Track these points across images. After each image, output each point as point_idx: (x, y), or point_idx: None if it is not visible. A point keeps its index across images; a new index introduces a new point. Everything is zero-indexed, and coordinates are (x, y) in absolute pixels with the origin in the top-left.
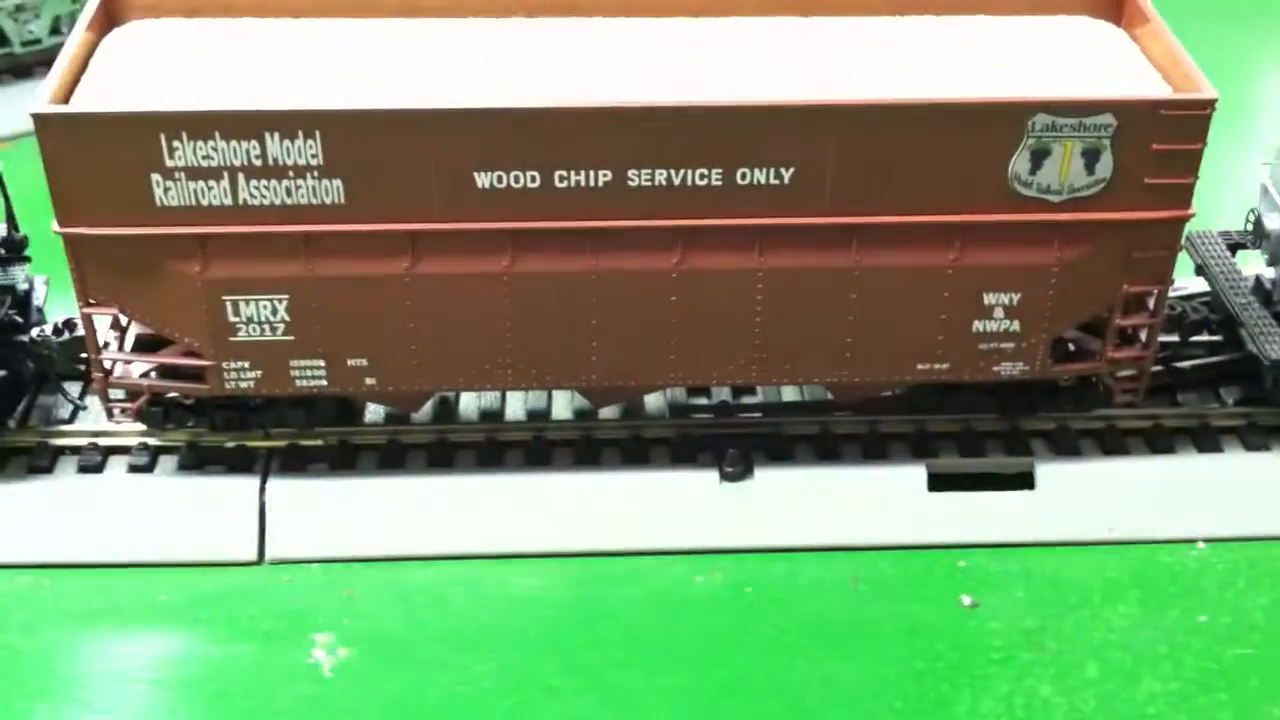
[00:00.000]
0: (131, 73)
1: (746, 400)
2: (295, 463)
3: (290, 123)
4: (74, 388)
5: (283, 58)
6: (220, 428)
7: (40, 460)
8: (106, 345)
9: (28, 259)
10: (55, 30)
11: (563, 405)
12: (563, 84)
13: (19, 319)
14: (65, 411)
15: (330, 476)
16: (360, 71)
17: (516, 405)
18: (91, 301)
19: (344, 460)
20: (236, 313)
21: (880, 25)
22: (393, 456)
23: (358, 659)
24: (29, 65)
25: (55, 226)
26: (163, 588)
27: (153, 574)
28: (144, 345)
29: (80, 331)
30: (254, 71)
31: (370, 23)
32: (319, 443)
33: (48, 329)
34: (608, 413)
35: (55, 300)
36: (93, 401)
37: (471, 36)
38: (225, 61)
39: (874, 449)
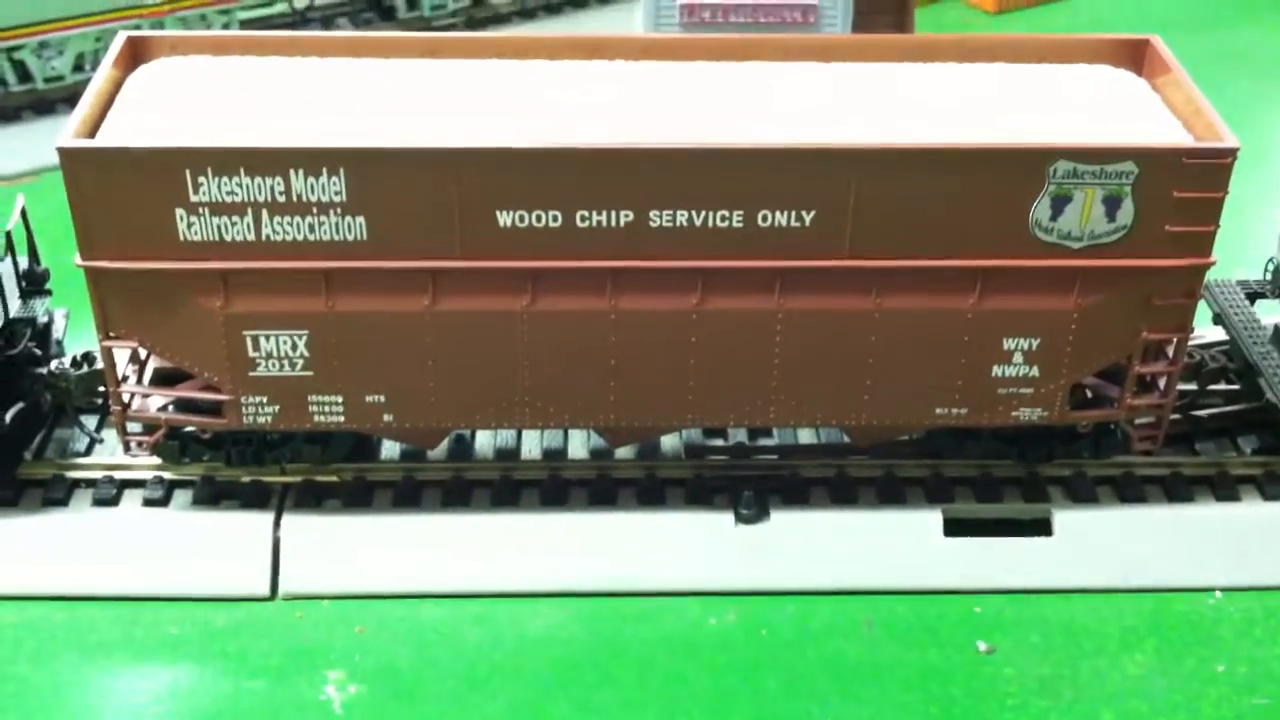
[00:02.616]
0: (157, 109)
1: (762, 442)
2: (310, 498)
3: (314, 160)
4: (90, 421)
5: (307, 96)
6: (236, 462)
7: (56, 493)
8: (125, 379)
9: (48, 292)
10: (78, 67)
11: (578, 444)
12: (585, 124)
13: (38, 351)
14: (81, 444)
15: (345, 513)
16: (384, 110)
17: (532, 443)
18: (111, 335)
19: (359, 497)
20: (256, 348)
21: (902, 72)
22: (408, 493)
23: (369, 696)
24: (51, 101)
25: (78, 260)
26: (175, 621)
27: (165, 607)
28: (162, 379)
29: (99, 365)
30: (278, 109)
31: (394, 63)
32: (334, 479)
33: (66, 362)
34: (624, 453)
35: (73, 334)
36: (109, 435)
37: (493, 77)
38: (250, 98)
39: (890, 493)
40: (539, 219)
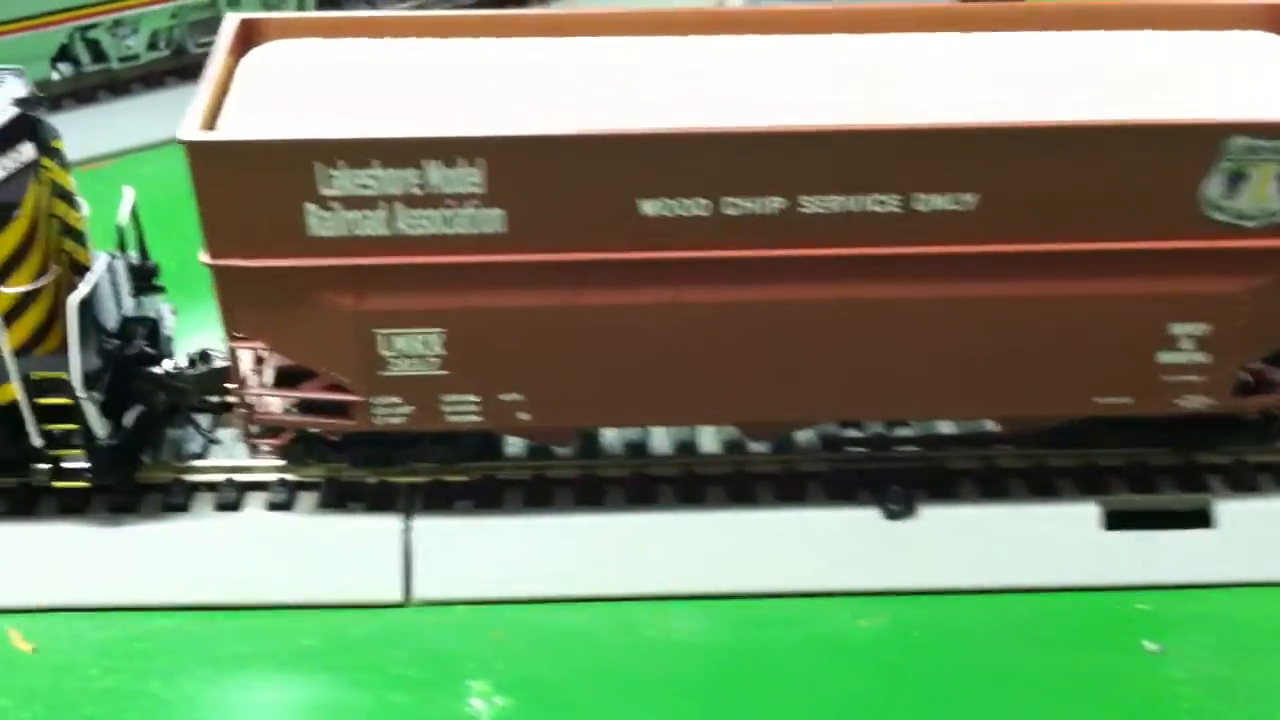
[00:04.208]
0: (276, 97)
1: (902, 432)
2: (438, 499)
3: (452, 150)
4: (202, 420)
5: (429, 80)
6: (362, 464)
7: (175, 497)
8: (246, 381)
9: (160, 289)
10: (153, 45)
11: (709, 438)
12: (722, 105)
13: (151, 350)
14: (196, 445)
15: (476, 514)
16: (512, 94)
17: (662, 438)
18: (237, 336)
19: (488, 496)
20: (389, 347)
21: (1048, 41)
22: (538, 492)
23: (517, 708)
24: (126, 81)
25: (203, 258)
26: (307, 630)
27: (296, 616)
28: (283, 378)
29: (216, 364)
30: (403, 95)
31: (514, 42)
32: (462, 478)
33: (182, 361)
34: (758, 446)
35: (180, 329)
36: (223, 434)
37: (622, 56)
38: (372, 84)
39: (1040, 484)
40: (685, 207)
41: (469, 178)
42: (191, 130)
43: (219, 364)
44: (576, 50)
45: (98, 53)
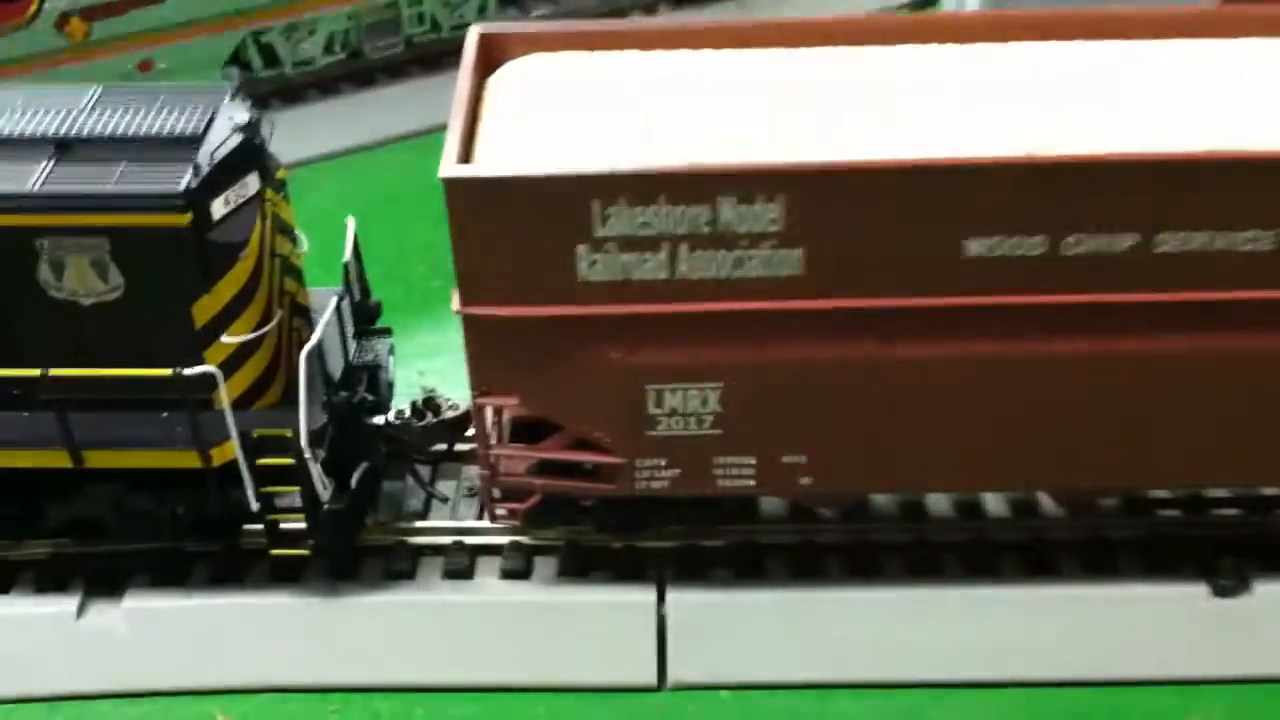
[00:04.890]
0: (536, 122)
1: (1217, 493)
2: (692, 566)
3: (749, 183)
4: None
5: (695, 100)
6: (610, 529)
7: (399, 563)
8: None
9: (384, 331)
10: (329, 49)
11: (995, 500)
12: (1026, 128)
13: (371, 397)
14: (417, 501)
15: (737, 585)
16: (796, 117)
17: (940, 500)
18: (486, 391)
19: (748, 563)
20: (659, 404)
21: None
22: (805, 559)
23: None
24: (300, 87)
25: (456, 305)
26: (549, 716)
27: (536, 700)
28: (517, 432)
29: (446, 414)
30: (670, 118)
31: (778, 54)
32: (719, 543)
33: (406, 410)
34: (1047, 503)
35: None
36: (444, 486)
37: (914, 68)
38: (633, 105)
39: None
40: (1017, 246)
41: (766, 214)
42: (451, 165)
43: (448, 414)
44: (858, 61)
45: (271, 57)
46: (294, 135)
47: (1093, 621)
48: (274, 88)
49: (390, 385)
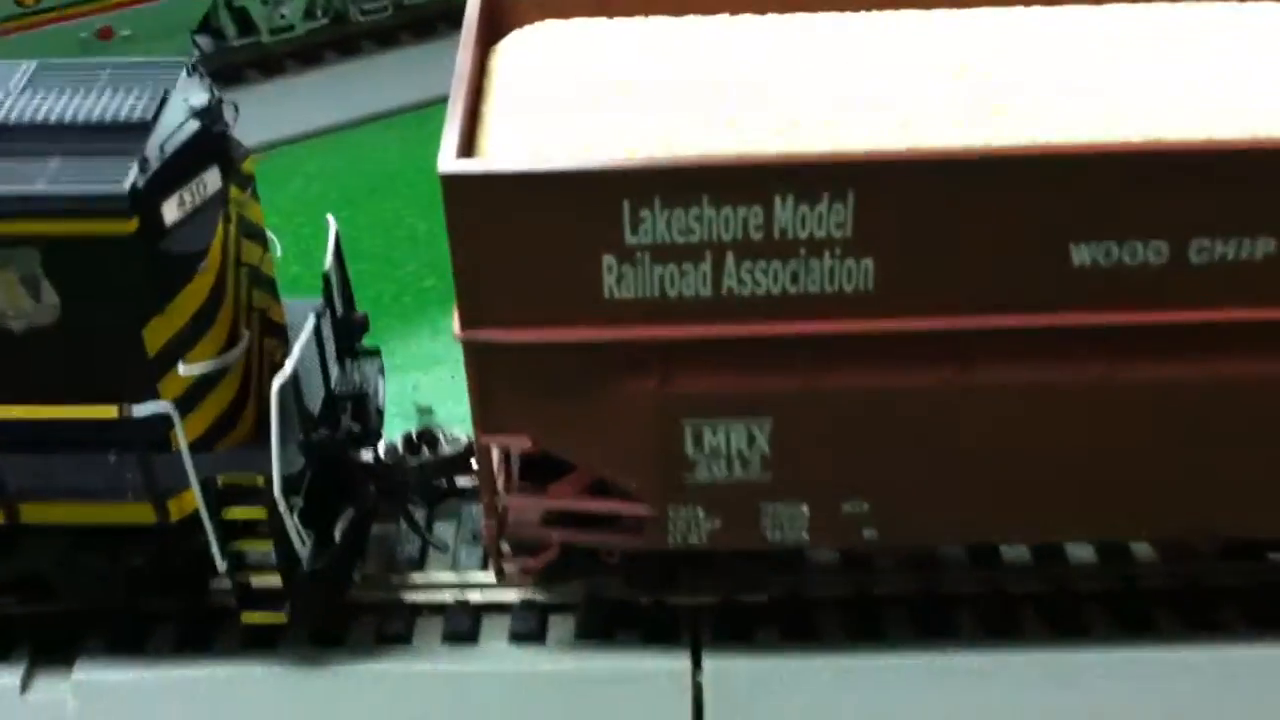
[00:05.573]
0: (551, 106)
1: None
2: (732, 625)
3: (813, 177)
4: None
5: (740, 78)
6: (637, 585)
7: (393, 625)
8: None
9: (376, 352)
10: (310, 13)
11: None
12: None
13: (357, 428)
14: (412, 547)
15: (784, 650)
16: (865, 95)
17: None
18: (493, 429)
19: (797, 621)
20: (698, 444)
21: None
22: (862, 616)
23: None
24: (279, 57)
25: (457, 330)
26: None
27: None
28: (527, 470)
29: (444, 450)
30: (714, 99)
31: (836, 18)
32: (762, 598)
33: (398, 443)
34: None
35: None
36: (444, 532)
37: (994, 34)
38: (670, 84)
39: None
40: (1135, 254)
41: (833, 217)
42: (451, 159)
43: (447, 449)
44: (951, 26)
45: (246, 23)
46: (272, 112)
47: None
48: (249, 58)
49: (380, 413)
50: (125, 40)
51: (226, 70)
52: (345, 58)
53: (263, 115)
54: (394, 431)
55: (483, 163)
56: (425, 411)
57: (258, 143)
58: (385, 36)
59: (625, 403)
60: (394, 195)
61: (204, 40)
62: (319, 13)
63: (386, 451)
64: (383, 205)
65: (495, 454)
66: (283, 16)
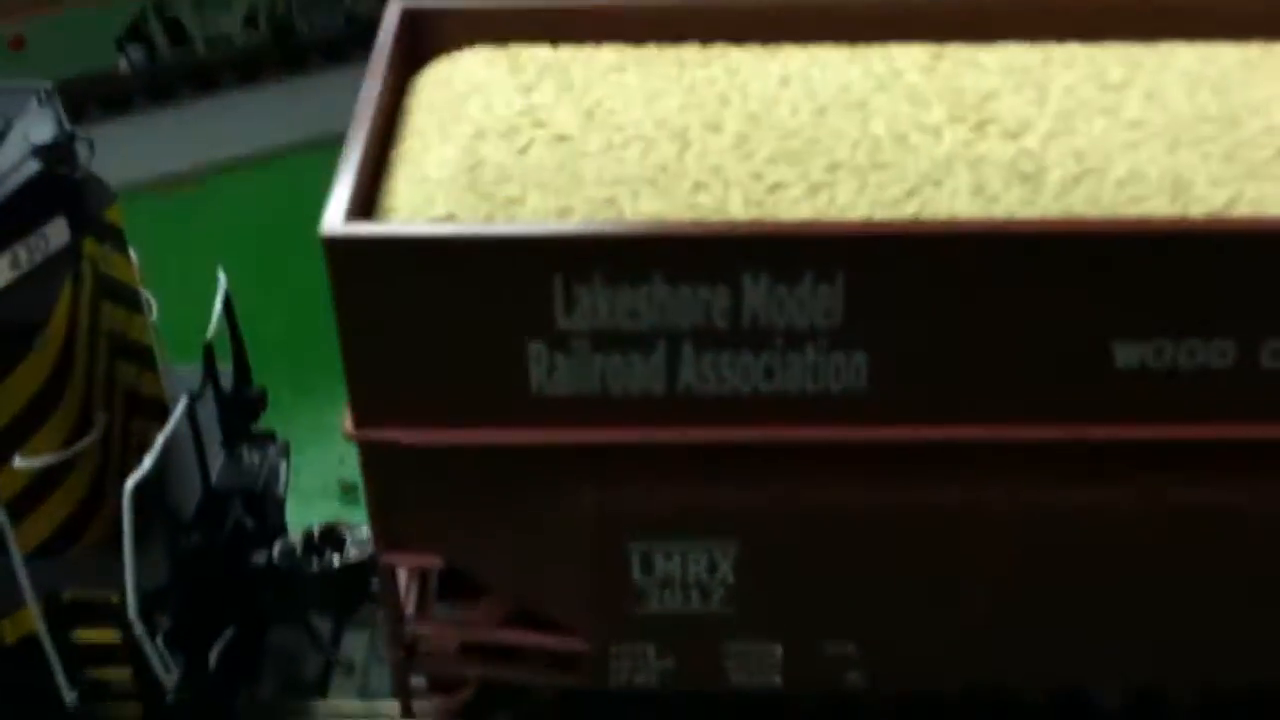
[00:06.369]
0: (470, 155)
1: None
2: None
3: (795, 255)
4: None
5: (709, 124)
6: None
7: None
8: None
9: (272, 437)
10: (251, 22)
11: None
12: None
13: (249, 523)
14: (313, 666)
15: None
16: (856, 150)
17: None
18: (396, 546)
19: None
20: (647, 570)
21: None
22: None
23: None
24: (214, 68)
25: (347, 427)
26: None
27: None
28: (446, 587)
29: (351, 552)
30: (672, 156)
31: (842, 53)
32: None
33: (296, 542)
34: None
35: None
36: (356, 643)
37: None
38: (620, 131)
39: None
40: (1193, 355)
41: (818, 302)
42: (338, 218)
43: (353, 552)
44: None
45: (178, 34)
46: (206, 131)
47: None
48: (182, 72)
49: (280, 505)
50: (37, 53)
51: (157, 86)
52: (290, 74)
53: (197, 135)
54: (314, 513)
55: (378, 225)
56: (350, 489)
57: (188, 166)
58: (335, 52)
59: (559, 519)
60: None
61: (134, 51)
62: (261, 23)
63: (281, 554)
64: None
65: (402, 576)
66: (220, 25)
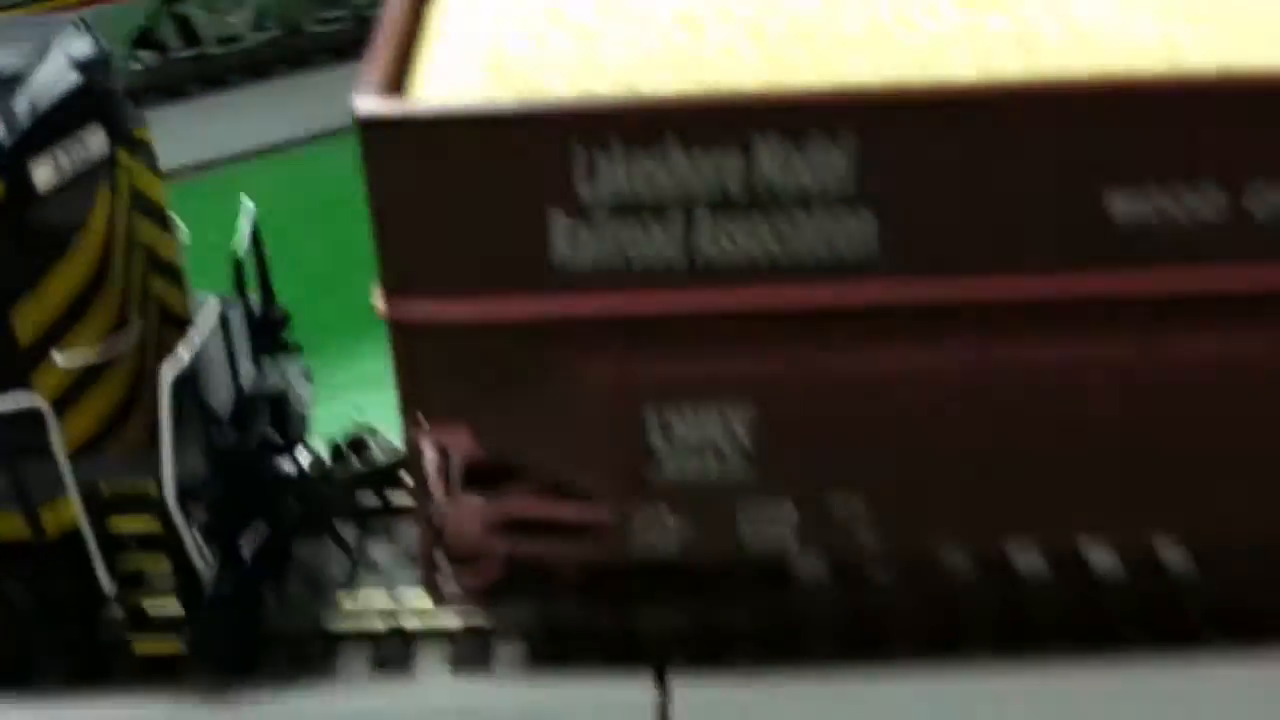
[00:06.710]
0: (491, 37)
1: None
2: (705, 647)
3: (805, 120)
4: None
5: (721, 7)
6: (599, 603)
7: (313, 655)
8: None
9: (291, 348)
10: (261, 25)
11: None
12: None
13: (278, 438)
14: (339, 570)
15: (765, 673)
16: (864, 24)
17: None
18: (425, 421)
19: (780, 640)
20: (666, 436)
21: None
22: (856, 632)
23: None
24: (224, 69)
25: (379, 305)
26: None
27: None
28: (473, 478)
29: (377, 456)
30: (687, 34)
31: None
32: (740, 614)
33: (322, 450)
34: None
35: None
36: (378, 550)
37: None
38: (634, 12)
39: None
40: (1186, 203)
41: (828, 164)
42: (370, 98)
43: (381, 457)
44: None
45: (189, 33)
46: (217, 126)
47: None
48: (194, 70)
49: (303, 419)
50: None
51: (170, 84)
52: (297, 71)
53: (207, 132)
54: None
55: (407, 103)
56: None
57: (200, 160)
58: (341, 49)
59: (579, 388)
60: (346, 214)
61: (146, 53)
62: (270, 23)
63: (311, 462)
64: (334, 224)
65: (429, 454)
66: (230, 25)
